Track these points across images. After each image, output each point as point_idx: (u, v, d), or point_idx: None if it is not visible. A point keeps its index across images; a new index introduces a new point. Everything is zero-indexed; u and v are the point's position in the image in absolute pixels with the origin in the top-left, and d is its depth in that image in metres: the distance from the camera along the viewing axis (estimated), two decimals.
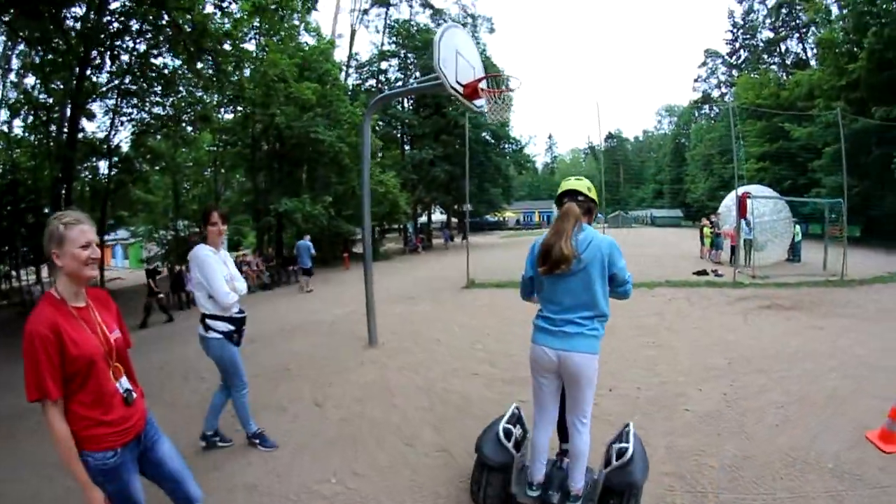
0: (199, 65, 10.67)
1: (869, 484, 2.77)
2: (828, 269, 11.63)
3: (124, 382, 1.77)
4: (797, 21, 34.21)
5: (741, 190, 12.44)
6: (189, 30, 9.03)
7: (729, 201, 15.61)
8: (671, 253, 17.68)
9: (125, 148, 14.09)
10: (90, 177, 14.40)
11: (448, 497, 2.79)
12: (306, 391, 4.60)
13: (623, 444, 2.33)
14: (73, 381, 1.59)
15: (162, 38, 10.49)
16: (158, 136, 14.45)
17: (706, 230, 16.06)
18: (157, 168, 17.49)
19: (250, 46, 11.88)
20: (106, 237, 16.45)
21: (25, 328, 1.54)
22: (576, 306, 2.17)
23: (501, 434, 2.33)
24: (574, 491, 2.29)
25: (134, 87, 11.92)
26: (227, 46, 10.06)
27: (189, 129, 13.96)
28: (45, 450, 3.58)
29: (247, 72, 11.76)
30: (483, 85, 4.38)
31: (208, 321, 3.16)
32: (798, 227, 14.50)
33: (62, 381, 1.56)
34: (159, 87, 12.12)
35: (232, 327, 3.21)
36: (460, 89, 4.39)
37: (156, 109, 12.99)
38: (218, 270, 3.06)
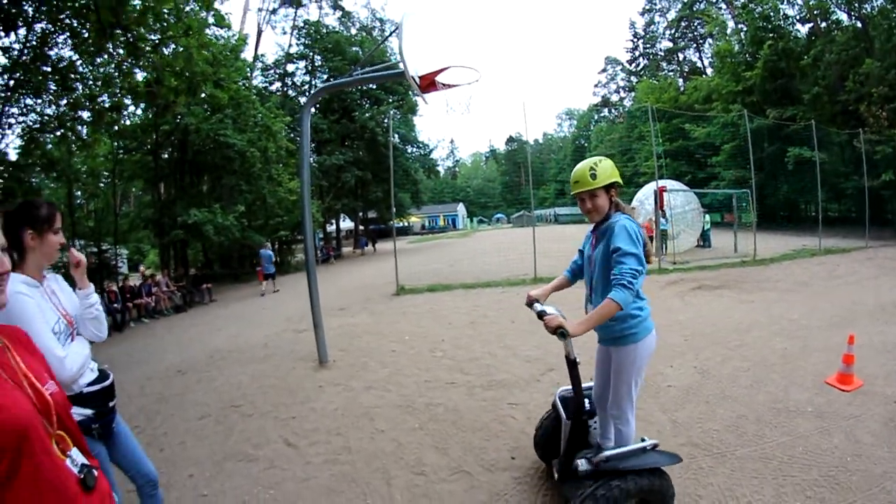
0: (111, 48, 9.50)
1: (844, 416, 3.41)
2: (739, 251, 13.48)
3: (77, 456, 1.24)
4: (695, 33, 40.08)
5: (657, 184, 13.97)
6: None
7: (642, 195, 17.48)
8: None
9: (13, 156, 12.20)
10: None
11: None
12: (270, 430, 4.24)
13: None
14: None
15: (68, 15, 9.22)
16: (48, 141, 12.65)
17: None
18: (47, 177, 15.35)
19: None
20: None
21: None
22: None
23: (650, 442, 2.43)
24: None
25: (27, 77, 10.28)
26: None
27: (86, 129, 12.35)
28: None
29: (167, 52, 10.63)
30: (440, 78, 4.52)
31: None
32: (708, 216, 16.62)
33: None
34: (52, 84, 10.64)
35: (87, 412, 1.98)
36: (418, 80, 4.51)
37: (49, 110, 11.41)
38: (41, 322, 1.82)
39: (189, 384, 5.86)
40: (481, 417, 4.06)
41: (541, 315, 2.35)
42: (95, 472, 1.24)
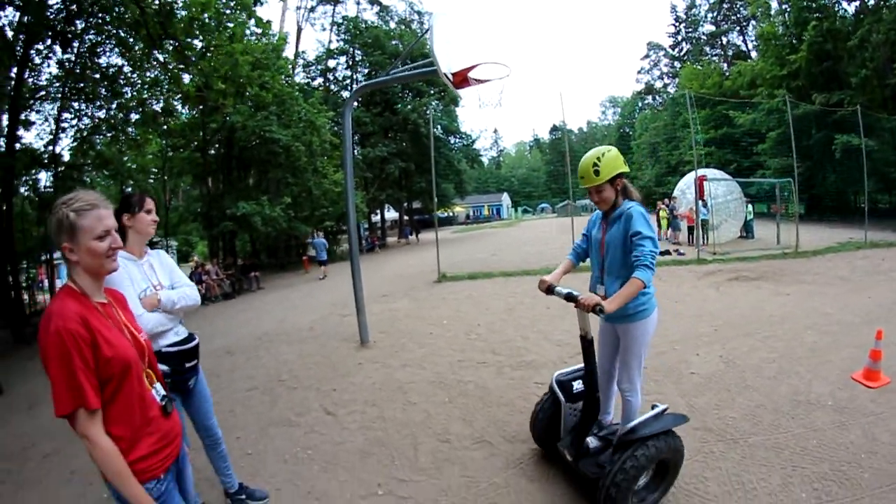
0: (160, 56, 10.18)
1: (865, 413, 3.36)
2: (781, 242, 12.97)
3: (160, 389, 1.62)
4: (738, 15, 38.01)
5: (697, 173, 13.54)
6: (156, 7, 8.56)
7: (683, 185, 17.00)
8: None
9: (67, 156, 13.31)
10: (29, 192, 13.38)
11: (508, 486, 2.89)
12: (312, 400, 4.55)
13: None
14: (103, 390, 1.39)
15: (115, 27, 9.93)
16: (98, 142, 13.63)
17: (662, 213, 17.36)
18: (100, 176, 16.51)
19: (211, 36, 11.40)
20: (55, 255, 14.99)
21: (49, 327, 1.33)
22: None
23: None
24: None
25: (80, 85, 11.16)
26: (193, 32, 9.65)
27: (135, 131, 13.22)
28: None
29: (209, 59, 11.18)
30: (473, 74, 4.63)
31: None
32: (750, 206, 15.97)
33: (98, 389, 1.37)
34: (103, 89, 11.48)
35: (164, 368, 2.14)
36: (451, 77, 4.64)
37: (100, 113, 12.34)
38: (129, 287, 2.14)
39: (238, 362, 6.23)
40: (507, 394, 4.26)
41: (570, 297, 2.36)
42: (174, 403, 1.66)
